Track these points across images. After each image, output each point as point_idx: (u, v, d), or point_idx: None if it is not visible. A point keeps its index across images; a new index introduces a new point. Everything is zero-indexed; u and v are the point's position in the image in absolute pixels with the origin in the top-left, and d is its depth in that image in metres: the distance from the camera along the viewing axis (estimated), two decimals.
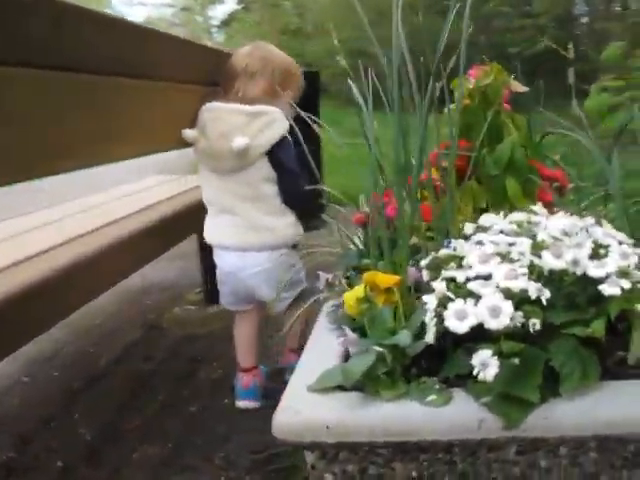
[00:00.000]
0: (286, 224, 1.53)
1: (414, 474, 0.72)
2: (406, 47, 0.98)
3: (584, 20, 9.38)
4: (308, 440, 0.70)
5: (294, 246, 1.61)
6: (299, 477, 1.28)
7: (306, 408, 0.73)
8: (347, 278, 1.08)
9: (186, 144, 1.53)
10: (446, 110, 1.11)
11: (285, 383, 0.81)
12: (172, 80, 1.42)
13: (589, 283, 0.73)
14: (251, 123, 1.43)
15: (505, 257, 0.72)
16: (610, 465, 0.71)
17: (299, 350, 1.65)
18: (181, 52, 1.48)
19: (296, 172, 1.48)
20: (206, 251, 2.43)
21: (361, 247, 1.24)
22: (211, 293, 2.46)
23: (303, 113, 1.42)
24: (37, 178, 1.05)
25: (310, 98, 2.19)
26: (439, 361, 0.80)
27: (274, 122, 1.44)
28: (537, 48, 7.20)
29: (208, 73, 1.59)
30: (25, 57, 0.87)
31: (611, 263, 0.69)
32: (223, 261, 1.58)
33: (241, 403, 1.64)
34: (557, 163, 1.18)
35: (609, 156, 1.02)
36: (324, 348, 0.90)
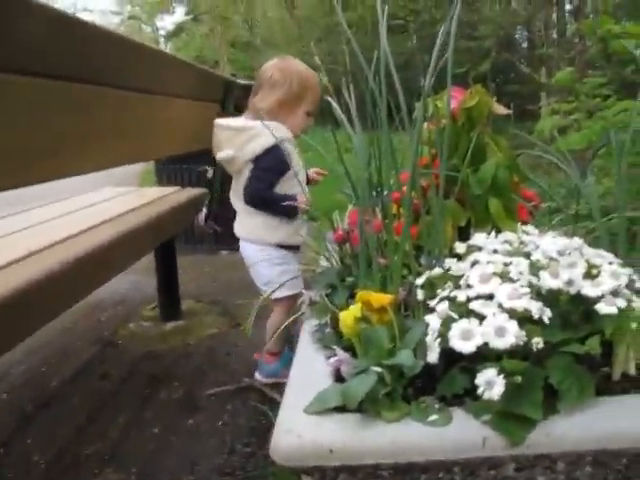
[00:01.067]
0: (255, 224, 1.70)
1: None
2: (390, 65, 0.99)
3: (524, 45, 9.79)
4: (311, 464, 0.68)
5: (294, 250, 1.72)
6: None
7: (307, 431, 0.71)
8: (327, 296, 1.07)
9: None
10: (419, 129, 1.13)
11: None
12: (148, 92, 1.40)
13: (582, 302, 0.75)
14: (235, 137, 1.64)
15: (505, 277, 0.72)
16: (604, 479, 0.73)
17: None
18: (159, 64, 1.46)
19: (255, 177, 1.64)
20: (162, 265, 2.38)
21: (337, 264, 1.23)
22: (167, 308, 2.40)
23: (271, 132, 1.46)
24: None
25: None
26: (431, 380, 0.80)
27: (258, 136, 1.59)
28: (481, 70, 7.46)
29: (185, 87, 1.60)
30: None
31: (606, 283, 0.71)
32: None
33: (264, 379, 1.77)
34: (530, 183, 1.21)
35: (582, 174, 1.06)
36: (312, 368, 0.88)
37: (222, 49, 9.26)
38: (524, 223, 1.02)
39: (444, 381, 0.77)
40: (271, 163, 1.59)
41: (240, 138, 1.62)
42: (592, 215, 0.99)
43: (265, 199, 1.64)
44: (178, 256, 3.37)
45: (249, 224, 1.72)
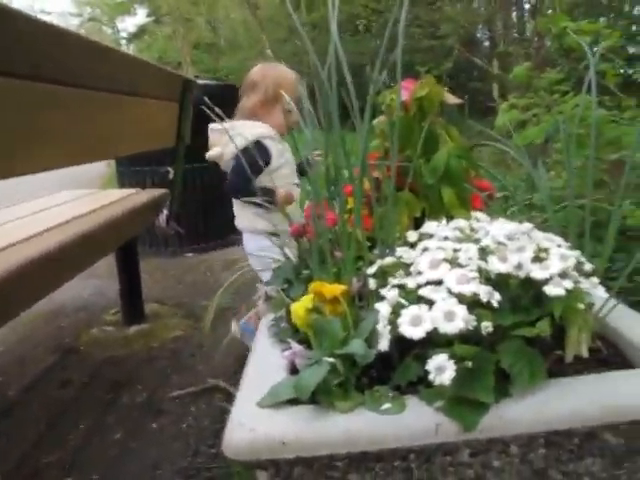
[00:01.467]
0: (245, 214, 1.86)
1: None
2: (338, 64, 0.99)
3: (486, 44, 9.95)
4: (264, 458, 0.67)
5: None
6: None
7: (260, 424, 0.70)
8: (284, 290, 1.06)
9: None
10: (374, 122, 1.13)
11: None
12: (103, 90, 1.38)
13: (532, 285, 0.75)
14: (221, 137, 1.81)
15: (454, 262, 0.73)
16: (557, 459, 0.73)
17: None
18: (114, 62, 1.44)
19: (234, 171, 1.80)
20: (124, 268, 2.34)
21: (294, 259, 1.22)
22: (130, 312, 2.36)
23: (227, 130, 1.45)
24: None
25: (229, 111, 2.16)
26: (386, 369, 0.80)
27: (238, 135, 1.66)
28: (444, 68, 7.55)
29: (142, 85, 1.59)
30: None
31: (554, 265, 0.72)
32: None
33: None
34: (485, 173, 1.22)
35: (535, 165, 1.07)
36: (268, 362, 0.87)
37: (185, 50, 9.18)
38: (478, 212, 1.03)
39: (399, 369, 0.77)
40: (249, 159, 1.62)
41: (225, 137, 1.75)
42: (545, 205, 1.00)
43: (240, 191, 1.72)
44: (143, 259, 3.32)
45: (240, 215, 1.90)
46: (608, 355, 0.90)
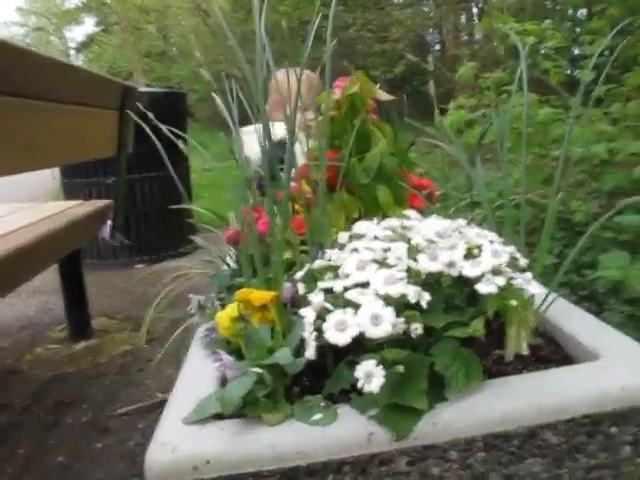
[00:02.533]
0: None
1: None
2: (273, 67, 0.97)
3: (437, 47, 10.09)
4: (188, 479, 0.63)
5: None
6: None
7: (183, 443, 0.66)
8: (220, 299, 1.02)
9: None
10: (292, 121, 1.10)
11: None
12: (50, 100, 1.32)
13: (466, 284, 0.73)
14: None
15: (382, 263, 0.70)
16: (498, 462, 0.71)
17: None
18: (48, 69, 1.38)
19: None
20: (68, 282, 2.25)
21: (234, 266, 1.19)
22: (76, 328, 2.27)
23: (170, 135, 1.39)
24: None
25: (177, 119, 2.12)
26: (321, 377, 0.77)
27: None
28: (396, 71, 7.62)
29: (77, 93, 1.53)
30: None
31: (485, 262, 0.69)
32: None
33: None
34: (425, 173, 1.21)
35: (473, 163, 1.06)
36: (198, 376, 0.83)
37: (135, 60, 9.02)
38: (418, 211, 1.00)
39: (331, 377, 0.74)
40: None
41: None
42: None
43: None
44: (91, 272, 3.23)
45: None
46: (549, 352, 0.89)
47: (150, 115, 1.38)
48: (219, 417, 0.69)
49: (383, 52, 8.23)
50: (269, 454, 0.64)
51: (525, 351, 0.86)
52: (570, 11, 6.42)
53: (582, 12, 6.16)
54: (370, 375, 0.63)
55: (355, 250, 0.73)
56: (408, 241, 0.74)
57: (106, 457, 1.49)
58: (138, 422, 1.65)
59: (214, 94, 1.24)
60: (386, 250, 0.72)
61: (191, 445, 0.65)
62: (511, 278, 0.72)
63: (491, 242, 0.75)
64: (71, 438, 1.59)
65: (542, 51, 2.65)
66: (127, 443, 1.55)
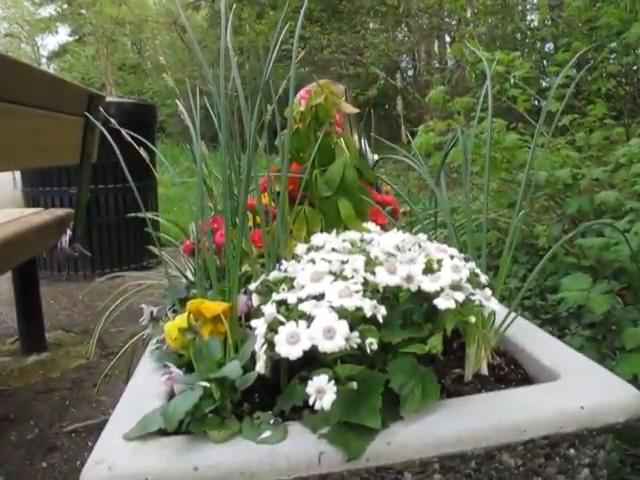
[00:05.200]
0: None
1: None
2: (239, 82, 0.95)
3: (410, 72, 10.25)
4: None
5: None
6: None
7: (122, 460, 0.62)
8: (174, 312, 0.99)
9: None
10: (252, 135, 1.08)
11: None
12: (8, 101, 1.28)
13: (424, 299, 0.71)
14: None
15: (339, 275, 0.67)
16: None
17: None
18: (12, 72, 1.34)
19: None
20: (21, 293, 2.17)
21: (192, 279, 1.15)
22: (29, 341, 2.19)
23: (134, 143, 1.36)
24: None
25: (145, 131, 2.08)
26: (274, 394, 0.73)
27: None
28: (369, 94, 7.70)
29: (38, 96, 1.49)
30: None
31: (445, 277, 0.68)
32: None
33: None
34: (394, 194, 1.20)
35: (438, 183, 1.05)
36: (145, 390, 0.79)
37: (109, 71, 8.93)
38: (381, 227, 0.99)
39: (283, 393, 0.71)
40: None
41: None
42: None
43: None
44: (50, 284, 3.14)
45: None
46: (509, 371, 0.87)
47: (113, 122, 1.34)
48: (163, 433, 0.66)
49: (357, 75, 8.32)
50: (212, 474, 0.60)
51: (485, 371, 0.84)
52: (538, 44, 6.60)
53: (549, 46, 6.35)
54: (322, 391, 0.60)
55: (311, 262, 0.71)
56: (367, 254, 0.72)
57: (49, 477, 1.43)
58: (87, 440, 1.60)
59: (178, 102, 1.21)
60: (344, 262, 0.70)
61: (130, 463, 0.61)
62: (471, 294, 0.70)
63: (451, 257, 0.73)
64: (13, 457, 1.52)
65: (511, 80, 2.69)
66: (74, 462, 1.49)
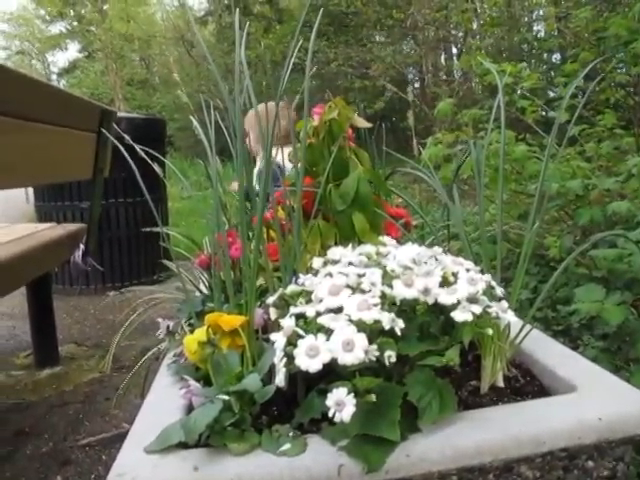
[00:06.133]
0: None
1: None
2: (254, 97, 0.96)
3: (417, 85, 10.28)
4: None
5: None
6: None
7: (144, 473, 0.62)
8: (190, 325, 0.99)
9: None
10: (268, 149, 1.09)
11: None
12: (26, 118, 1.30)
13: (441, 311, 0.72)
14: None
15: (356, 288, 0.68)
16: None
17: None
18: (21, 86, 1.36)
19: None
20: (35, 307, 2.19)
21: (206, 292, 1.16)
22: (42, 354, 2.20)
23: (146, 157, 1.37)
24: None
25: (156, 145, 2.10)
26: (292, 407, 0.74)
27: None
28: (376, 107, 7.74)
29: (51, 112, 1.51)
30: None
31: (461, 289, 0.68)
32: None
33: None
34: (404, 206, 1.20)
35: (451, 196, 1.05)
36: (164, 403, 0.79)
37: (117, 87, 9.03)
38: (395, 240, 0.99)
39: (301, 406, 0.71)
40: None
41: None
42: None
43: None
44: (62, 298, 3.16)
45: None
46: (525, 383, 0.87)
47: (126, 137, 1.36)
48: (183, 446, 0.66)
49: (364, 88, 8.36)
50: None
51: (501, 382, 0.84)
52: (545, 55, 6.63)
53: (556, 57, 6.37)
54: (341, 404, 0.60)
55: (329, 275, 0.72)
56: (383, 267, 0.73)
57: None
58: (101, 454, 1.60)
59: (192, 117, 1.23)
60: (360, 275, 0.70)
61: (152, 475, 0.62)
62: (487, 306, 0.71)
63: (467, 270, 0.74)
64: (29, 470, 1.52)
65: (518, 91, 2.70)
66: (88, 476, 1.50)
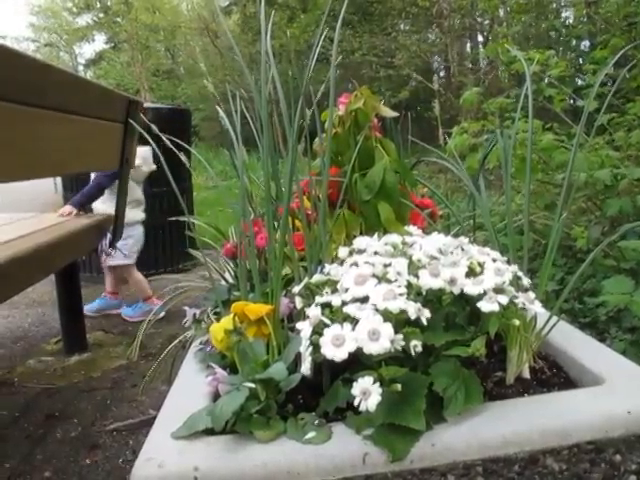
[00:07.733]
0: None
1: None
2: (280, 87, 0.96)
3: (442, 74, 10.17)
4: None
5: None
6: None
7: (171, 458, 0.63)
8: (216, 314, 1.00)
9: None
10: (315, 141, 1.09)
11: None
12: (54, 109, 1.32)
13: (467, 302, 0.71)
14: None
15: (382, 278, 0.68)
16: None
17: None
18: (52, 78, 1.38)
19: None
20: (64, 294, 2.23)
21: (232, 281, 1.17)
22: (71, 341, 2.25)
23: (172, 147, 1.38)
24: None
25: (181, 135, 2.11)
26: (317, 395, 0.74)
27: None
28: (401, 96, 7.67)
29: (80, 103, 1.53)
30: None
31: (488, 280, 0.68)
32: None
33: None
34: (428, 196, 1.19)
35: (477, 186, 1.05)
36: (191, 390, 0.80)
37: (143, 77, 9.09)
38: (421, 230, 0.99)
39: (326, 395, 0.72)
40: None
41: None
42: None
43: None
44: (90, 286, 3.20)
45: None
46: (551, 375, 0.87)
47: (153, 127, 1.37)
48: (210, 433, 0.67)
49: (388, 77, 8.30)
50: (260, 472, 0.61)
51: (527, 374, 0.84)
52: (574, 42, 6.49)
53: (585, 44, 6.23)
54: (367, 393, 0.60)
55: (354, 265, 0.72)
56: (409, 257, 0.73)
57: (93, 474, 1.46)
58: (128, 439, 1.63)
59: (218, 107, 1.23)
60: (386, 265, 0.70)
61: (179, 461, 0.63)
62: (514, 297, 0.70)
63: (494, 260, 0.73)
64: (59, 453, 1.56)
65: (546, 79, 2.66)
66: (116, 460, 1.52)
